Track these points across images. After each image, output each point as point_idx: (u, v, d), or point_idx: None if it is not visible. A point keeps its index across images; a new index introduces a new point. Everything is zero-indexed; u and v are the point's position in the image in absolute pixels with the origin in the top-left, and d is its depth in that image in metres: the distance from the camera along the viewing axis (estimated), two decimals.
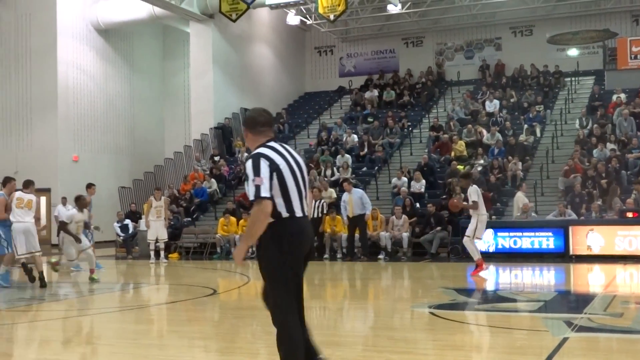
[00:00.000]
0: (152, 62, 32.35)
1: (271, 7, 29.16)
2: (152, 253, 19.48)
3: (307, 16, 31.09)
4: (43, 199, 27.92)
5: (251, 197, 5.02)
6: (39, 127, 27.45)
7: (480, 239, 14.66)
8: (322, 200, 20.06)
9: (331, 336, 8.37)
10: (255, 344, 8.02)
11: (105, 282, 13.91)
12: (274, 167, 5.08)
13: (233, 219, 21.18)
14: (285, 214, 5.12)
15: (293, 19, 30.84)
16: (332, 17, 26.98)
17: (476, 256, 14.13)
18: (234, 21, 27.30)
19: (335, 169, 23.84)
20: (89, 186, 17.36)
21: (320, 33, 33.56)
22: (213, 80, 28.53)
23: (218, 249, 21.03)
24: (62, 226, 14.64)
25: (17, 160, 27.41)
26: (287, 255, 5.15)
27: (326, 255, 19.56)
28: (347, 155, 24.34)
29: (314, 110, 32.25)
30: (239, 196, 23.68)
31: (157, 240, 19.60)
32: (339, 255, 19.54)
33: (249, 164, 5.11)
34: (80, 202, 14.78)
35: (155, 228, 19.50)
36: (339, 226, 19.69)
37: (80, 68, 28.23)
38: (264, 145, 5.26)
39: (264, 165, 5.06)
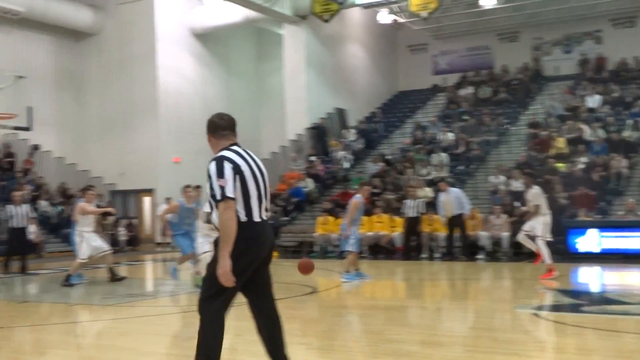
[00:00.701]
0: (248, 65, 32.90)
1: (363, 6, 29.16)
2: None
3: (399, 14, 30.92)
4: (147, 199, 28.96)
5: (218, 197, 5.11)
6: (141, 130, 28.38)
7: (549, 239, 14.19)
8: (419, 200, 19.94)
9: (431, 336, 8.33)
10: (355, 343, 8.05)
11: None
12: (236, 170, 5.22)
13: (331, 218, 21.31)
14: (243, 218, 5.21)
15: (385, 17, 30.72)
16: (424, 14, 26.76)
17: (534, 248, 13.81)
18: (327, 22, 27.45)
19: (430, 167, 23.64)
20: (196, 187, 17.52)
21: (413, 31, 33.30)
22: (307, 81, 28.75)
23: (316, 248, 21.19)
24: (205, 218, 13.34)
25: (122, 162, 28.45)
26: (241, 258, 5.16)
27: (424, 255, 19.44)
28: (443, 154, 24.09)
29: (408, 109, 32.04)
30: (335, 195, 23.81)
31: None
32: (437, 255, 19.38)
33: (212, 166, 5.21)
34: None
35: None
36: (437, 226, 19.54)
37: (179, 72, 29.01)
38: (227, 148, 5.40)
39: (228, 168, 5.19)
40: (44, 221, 23.97)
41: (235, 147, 5.42)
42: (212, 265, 5.23)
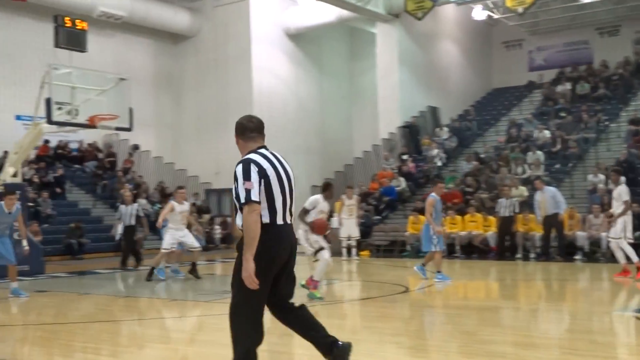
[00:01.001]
0: (340, 64, 33.03)
1: (457, 3, 28.82)
2: (344, 250, 19.89)
3: (494, 10, 30.40)
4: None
5: (242, 200, 5.14)
6: None
7: (631, 239, 13.63)
8: (513, 199, 19.58)
9: (525, 337, 8.18)
10: (448, 343, 7.99)
11: (298, 278, 14.38)
12: (262, 174, 5.26)
13: (422, 217, 21.13)
14: (266, 221, 5.24)
15: (479, 13, 30.26)
16: (520, 9, 26.21)
17: (622, 261, 13.32)
18: (420, 19, 27.25)
19: (526, 166, 23.16)
20: None
21: (508, 27, 32.68)
22: (399, 79, 28.63)
23: (408, 247, 21.11)
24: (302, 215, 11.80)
25: (218, 162, 29.04)
26: (263, 260, 5.17)
27: (519, 255, 19.08)
28: (539, 152, 23.54)
29: (502, 107, 31.48)
30: (427, 194, 23.60)
31: (349, 238, 20.04)
32: (532, 255, 18.98)
33: (239, 169, 5.25)
34: (329, 191, 12.22)
35: (348, 226, 19.95)
36: (532, 225, 19.14)
37: (273, 72, 29.41)
38: (254, 151, 5.44)
39: (254, 171, 5.23)
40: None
41: (262, 150, 5.47)
42: (238, 269, 5.24)
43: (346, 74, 33.32)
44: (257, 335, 5.40)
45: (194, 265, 14.97)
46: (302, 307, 5.65)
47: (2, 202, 12.08)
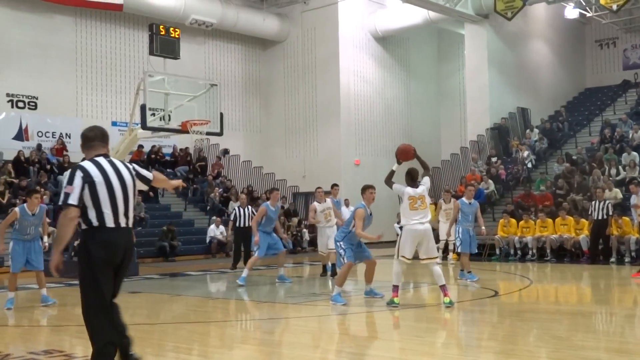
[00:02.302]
0: (427, 66, 32.84)
1: (548, 2, 28.18)
2: (440, 252, 19.71)
3: (587, 8, 29.61)
4: (328, 201, 29.53)
5: (60, 202, 5.61)
6: (323, 133, 29.14)
7: None
8: (607, 201, 18.99)
9: (620, 343, 7.95)
10: (538, 348, 7.82)
11: (387, 281, 14.28)
12: (87, 180, 5.62)
13: (513, 220, 20.81)
14: (95, 223, 5.62)
15: (571, 12, 29.54)
16: (614, 7, 25.47)
17: None
18: (510, 19, 26.80)
19: (620, 167, 22.44)
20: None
21: (602, 25, 31.78)
22: (488, 80, 28.22)
23: (497, 251, 20.78)
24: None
25: (305, 165, 29.33)
26: (93, 260, 5.58)
27: (613, 259, 18.50)
28: (634, 153, 22.76)
29: (595, 107, 30.59)
30: (517, 197, 23.21)
31: (446, 241, 19.90)
32: (626, 259, 18.37)
33: (66, 174, 5.80)
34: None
35: (444, 229, 19.78)
36: (627, 229, 18.52)
37: (360, 75, 29.50)
38: (91, 158, 5.83)
39: (78, 177, 5.62)
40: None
41: (98, 158, 5.81)
42: (80, 284, 5.71)
43: (434, 75, 33.10)
44: (111, 330, 5.68)
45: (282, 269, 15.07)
46: (117, 306, 5.89)
47: (25, 204, 11.60)
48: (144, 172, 6.19)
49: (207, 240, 23.07)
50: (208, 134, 18.13)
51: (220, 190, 26.48)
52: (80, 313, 5.81)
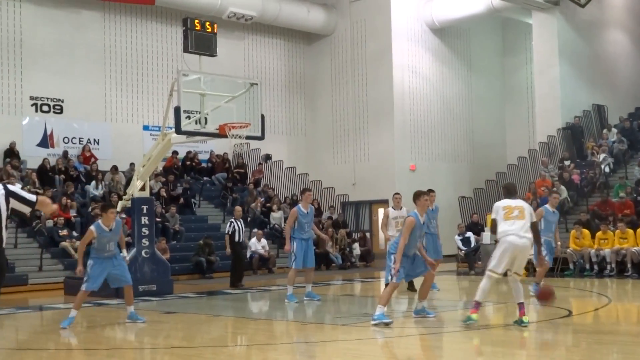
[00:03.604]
0: (491, 59, 32.59)
1: None
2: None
3: None
4: (381, 211, 29.52)
5: None
6: (374, 136, 29.08)
7: None
8: None
9: None
10: None
11: (447, 299, 14.30)
12: None
13: (586, 231, 20.50)
14: None
15: None
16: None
17: None
18: (583, 6, 26.52)
19: None
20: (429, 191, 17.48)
21: None
22: (560, 74, 27.90)
23: (570, 265, 20.50)
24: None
25: (355, 171, 29.32)
26: None
27: None
28: None
29: None
30: (593, 205, 22.87)
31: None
32: None
33: None
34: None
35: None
36: None
37: (415, 71, 29.40)
38: None
39: None
40: (274, 235, 25.21)
41: None
42: None
43: (498, 70, 32.83)
44: None
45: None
46: None
47: (99, 221, 11.88)
48: (25, 194, 6.91)
49: (248, 255, 23.16)
50: (248, 138, 18.21)
51: (262, 199, 26.60)
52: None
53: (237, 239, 18.78)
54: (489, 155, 30.81)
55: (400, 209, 15.47)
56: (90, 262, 11.78)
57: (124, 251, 12.61)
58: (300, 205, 14.82)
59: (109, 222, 11.73)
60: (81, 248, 12.07)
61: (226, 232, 19.07)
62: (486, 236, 22.28)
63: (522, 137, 30.75)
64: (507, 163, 29.34)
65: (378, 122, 28.99)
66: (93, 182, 23.70)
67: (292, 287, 14.47)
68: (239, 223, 18.81)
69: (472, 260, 22.55)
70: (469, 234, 23.10)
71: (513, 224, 10.37)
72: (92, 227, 11.80)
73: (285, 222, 25.50)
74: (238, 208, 19.91)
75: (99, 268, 11.68)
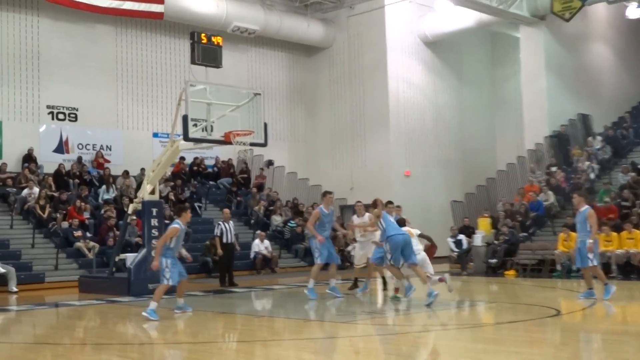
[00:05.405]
0: (481, 71, 32.56)
1: (608, 2, 27.74)
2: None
3: None
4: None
5: None
6: (371, 143, 29.06)
7: None
8: None
9: None
10: None
11: (441, 299, 14.18)
12: None
13: (573, 233, 20.35)
14: None
15: (634, 12, 29.01)
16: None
17: None
18: (568, 21, 26.47)
19: None
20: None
21: None
22: (546, 85, 27.87)
23: (558, 267, 20.42)
24: None
25: (352, 177, 29.26)
26: None
27: None
28: None
29: None
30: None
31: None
32: None
33: None
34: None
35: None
36: None
37: (409, 82, 29.37)
38: None
39: None
40: (277, 236, 25.22)
41: None
42: None
43: (487, 81, 32.81)
44: None
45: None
46: None
47: (179, 220, 12.38)
48: None
49: (252, 256, 23.12)
50: (252, 144, 18.17)
51: (266, 203, 26.56)
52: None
53: (225, 240, 19.05)
54: (480, 161, 30.75)
55: (363, 216, 15.98)
56: (167, 260, 12.12)
57: (183, 251, 13.30)
58: (321, 206, 15.13)
59: (186, 221, 12.37)
60: (161, 244, 12.31)
61: (215, 234, 19.40)
62: (477, 238, 22.22)
63: (511, 144, 30.65)
64: (497, 169, 29.27)
65: (374, 130, 28.96)
66: (103, 187, 23.71)
67: (314, 281, 14.65)
68: (226, 225, 19.13)
69: (464, 261, 22.48)
70: (461, 236, 23.02)
71: None
72: (176, 225, 12.23)
73: (284, 224, 25.70)
74: (226, 210, 20.24)
75: (175, 264, 12.23)
